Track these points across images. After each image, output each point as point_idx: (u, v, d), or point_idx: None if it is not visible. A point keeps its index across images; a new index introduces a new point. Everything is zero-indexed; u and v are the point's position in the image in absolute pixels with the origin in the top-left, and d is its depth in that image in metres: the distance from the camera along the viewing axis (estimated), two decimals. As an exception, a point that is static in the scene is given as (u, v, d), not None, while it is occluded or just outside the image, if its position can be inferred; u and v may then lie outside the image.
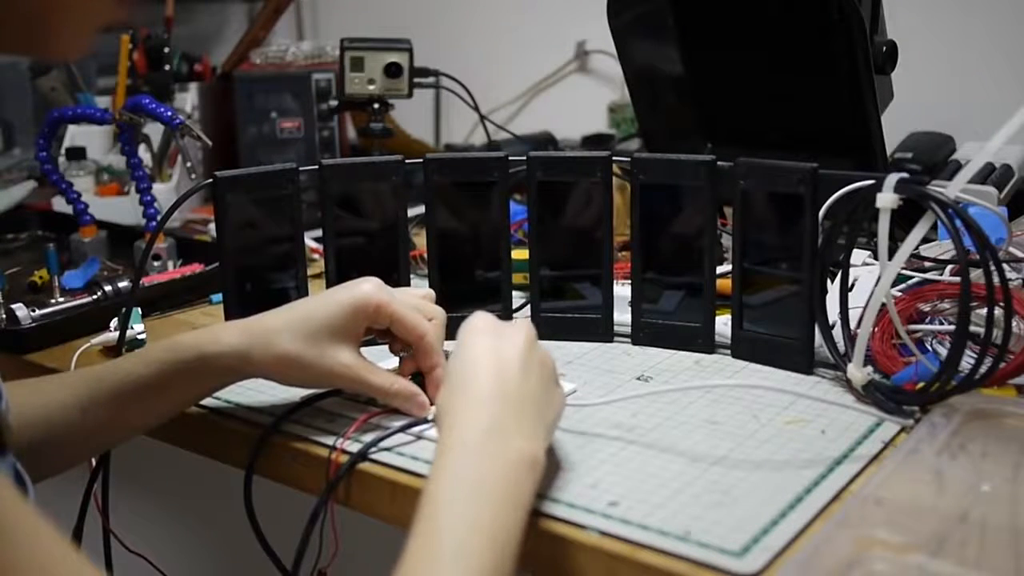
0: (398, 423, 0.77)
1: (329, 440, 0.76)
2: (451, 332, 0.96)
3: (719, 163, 0.89)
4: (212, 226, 1.20)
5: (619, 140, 1.61)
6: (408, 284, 0.96)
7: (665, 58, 1.23)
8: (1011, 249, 0.93)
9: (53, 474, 0.78)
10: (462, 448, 0.62)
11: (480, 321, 0.69)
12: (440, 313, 0.81)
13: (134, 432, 0.81)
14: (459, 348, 0.68)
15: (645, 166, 0.92)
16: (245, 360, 0.75)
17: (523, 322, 0.71)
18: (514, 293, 0.98)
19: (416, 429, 0.76)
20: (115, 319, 0.95)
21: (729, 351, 0.91)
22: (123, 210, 1.34)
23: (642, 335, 0.94)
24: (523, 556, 0.66)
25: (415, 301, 0.80)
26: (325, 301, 0.77)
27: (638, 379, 0.87)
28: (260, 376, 0.78)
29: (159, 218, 1.14)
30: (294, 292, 0.94)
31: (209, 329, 0.77)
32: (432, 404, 0.78)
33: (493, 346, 0.67)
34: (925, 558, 0.58)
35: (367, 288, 0.77)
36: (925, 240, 0.79)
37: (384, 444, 0.75)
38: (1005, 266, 0.73)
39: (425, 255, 1.01)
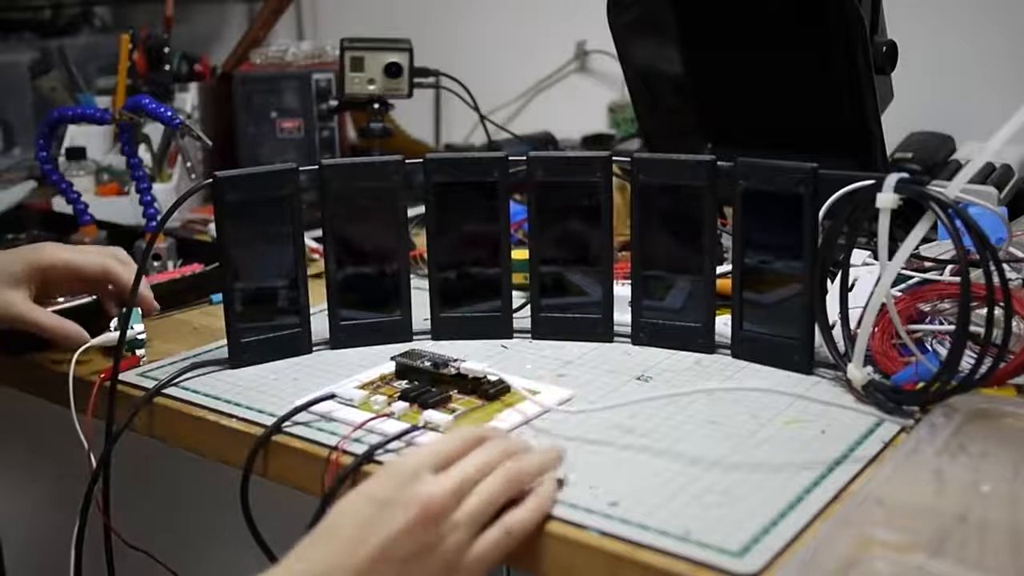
0: (393, 430, 0.77)
1: (330, 441, 0.76)
2: (449, 332, 0.97)
3: (719, 163, 0.89)
4: (212, 226, 1.20)
5: (619, 140, 1.61)
6: (408, 284, 0.96)
7: (665, 58, 1.23)
8: (1011, 249, 0.93)
9: None
10: None
11: (391, 471, 0.63)
12: (124, 255, 0.96)
13: None
14: (342, 499, 0.63)
15: (645, 166, 0.92)
16: None
17: (422, 495, 0.61)
18: (514, 293, 0.98)
19: (407, 437, 0.76)
20: (115, 319, 0.95)
21: (729, 351, 0.91)
22: (123, 210, 1.34)
23: (642, 335, 0.94)
24: (523, 556, 0.66)
25: (96, 251, 0.95)
26: (5, 254, 0.92)
27: (638, 379, 0.87)
28: None
29: (159, 218, 1.14)
30: (294, 292, 0.94)
31: None
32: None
33: (368, 513, 0.61)
34: (925, 558, 0.58)
35: (44, 244, 0.94)
36: (925, 240, 0.79)
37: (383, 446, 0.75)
38: (1005, 266, 0.73)
39: (425, 255, 1.01)
